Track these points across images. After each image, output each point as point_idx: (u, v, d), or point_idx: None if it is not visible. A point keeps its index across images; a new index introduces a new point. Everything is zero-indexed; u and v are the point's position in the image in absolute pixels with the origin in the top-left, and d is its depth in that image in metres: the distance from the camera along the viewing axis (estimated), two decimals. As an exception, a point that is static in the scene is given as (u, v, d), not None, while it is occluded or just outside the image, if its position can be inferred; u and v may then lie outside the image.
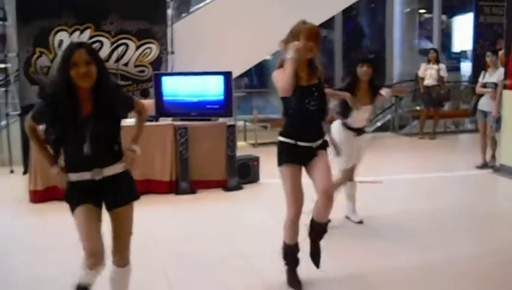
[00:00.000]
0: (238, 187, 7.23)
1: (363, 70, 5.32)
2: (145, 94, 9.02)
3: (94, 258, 3.15)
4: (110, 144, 3.28)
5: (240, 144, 7.63)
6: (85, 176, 3.20)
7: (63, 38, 8.69)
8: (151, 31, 9.11)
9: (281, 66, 3.93)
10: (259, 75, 15.81)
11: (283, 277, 4.24)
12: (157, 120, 7.30)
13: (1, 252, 5.21)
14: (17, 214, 6.46)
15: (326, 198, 4.02)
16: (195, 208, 6.54)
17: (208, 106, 7.36)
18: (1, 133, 9.39)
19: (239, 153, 7.56)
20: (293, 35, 3.94)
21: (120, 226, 3.40)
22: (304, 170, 4.09)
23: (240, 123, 10.24)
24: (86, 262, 3.16)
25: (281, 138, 4.06)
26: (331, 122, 4.64)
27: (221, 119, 7.46)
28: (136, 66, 9.08)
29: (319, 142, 4.08)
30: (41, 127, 3.27)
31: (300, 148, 4.00)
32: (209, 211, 6.41)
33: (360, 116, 5.41)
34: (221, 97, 7.31)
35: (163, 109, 7.41)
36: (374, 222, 5.73)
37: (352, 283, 4.31)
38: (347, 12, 15.04)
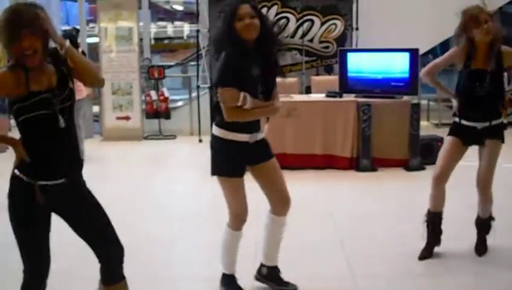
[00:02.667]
0: (420, 167, 7.05)
1: None
2: (329, 70, 9.09)
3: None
4: None
5: (423, 123, 7.42)
6: (244, 138, 3.40)
7: (251, 15, 8.98)
8: (336, 7, 9.11)
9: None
10: (443, 52, 15.13)
11: (468, 263, 4.13)
12: (340, 96, 7.32)
13: (184, 213, 5.63)
14: (203, 181, 6.85)
15: (480, 191, 4.20)
16: (376, 186, 6.51)
17: (393, 83, 7.24)
18: (192, 104, 10.00)
19: (422, 132, 7.36)
20: (463, 21, 3.97)
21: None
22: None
23: (424, 102, 9.94)
24: (232, 223, 3.54)
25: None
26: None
27: (405, 97, 7.30)
28: (320, 42, 9.15)
29: (486, 124, 4.04)
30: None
31: (464, 127, 4.09)
32: (389, 189, 6.33)
33: None
34: (406, 75, 7.16)
35: (347, 85, 7.42)
36: None
37: None
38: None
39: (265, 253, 3.75)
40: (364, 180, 6.74)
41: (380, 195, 6.14)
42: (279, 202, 3.60)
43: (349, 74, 7.43)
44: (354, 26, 9.26)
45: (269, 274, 3.77)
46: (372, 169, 7.04)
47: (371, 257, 4.38)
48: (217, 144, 3.44)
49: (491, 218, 4.34)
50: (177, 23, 15.26)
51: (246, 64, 3.27)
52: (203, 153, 8.26)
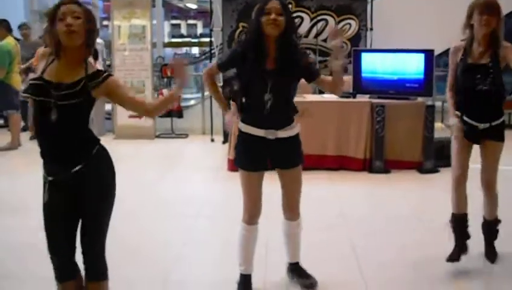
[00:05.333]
0: (434, 170, 6.98)
1: None
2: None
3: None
4: (288, 102, 3.52)
5: (436, 125, 7.34)
6: (259, 132, 3.43)
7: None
8: (351, 7, 9.04)
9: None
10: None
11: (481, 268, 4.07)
12: (354, 97, 7.27)
13: (194, 213, 5.57)
14: (214, 181, 6.83)
15: (485, 192, 4.07)
16: (389, 188, 6.44)
17: (407, 85, 7.16)
18: (204, 103, 9.98)
19: (435, 134, 7.28)
20: (468, 13, 3.86)
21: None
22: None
23: (438, 104, 9.86)
24: (243, 216, 3.56)
25: None
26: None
27: (419, 99, 7.23)
28: (334, 42, 9.08)
29: (486, 125, 3.91)
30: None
31: (466, 123, 3.94)
32: (402, 192, 6.26)
33: None
34: (421, 76, 7.08)
35: (361, 85, 7.34)
36: None
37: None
38: None
39: (287, 252, 3.81)
40: (377, 182, 6.67)
41: (393, 197, 6.08)
42: (286, 209, 3.68)
43: (363, 75, 7.36)
44: (369, 26, 9.20)
45: (292, 269, 3.83)
46: (385, 171, 6.97)
47: (382, 260, 4.31)
48: (239, 136, 3.55)
49: (497, 221, 4.21)
50: (190, 21, 15.29)
51: (261, 57, 3.34)
52: (214, 152, 8.34)
